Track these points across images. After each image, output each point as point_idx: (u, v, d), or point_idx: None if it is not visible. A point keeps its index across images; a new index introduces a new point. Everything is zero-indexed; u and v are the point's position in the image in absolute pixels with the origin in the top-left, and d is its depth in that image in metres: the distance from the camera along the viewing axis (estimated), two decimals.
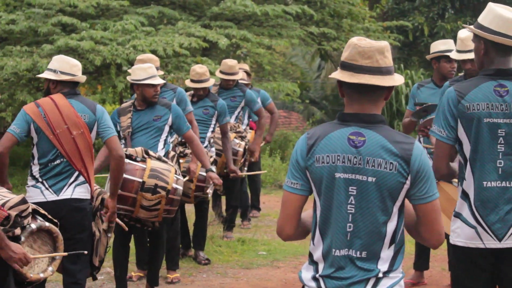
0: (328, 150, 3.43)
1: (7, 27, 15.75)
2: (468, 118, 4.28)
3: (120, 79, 14.81)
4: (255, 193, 11.65)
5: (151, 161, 6.94)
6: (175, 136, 7.96)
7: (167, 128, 7.36)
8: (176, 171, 7.04)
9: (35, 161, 5.90)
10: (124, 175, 6.67)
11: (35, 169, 5.90)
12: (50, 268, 5.09)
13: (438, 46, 7.44)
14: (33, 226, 4.95)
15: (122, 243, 7.24)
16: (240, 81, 10.08)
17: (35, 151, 5.90)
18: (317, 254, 3.49)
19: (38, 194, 5.81)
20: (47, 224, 5.05)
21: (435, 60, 7.41)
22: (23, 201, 4.94)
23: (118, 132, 7.36)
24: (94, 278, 6.24)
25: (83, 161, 5.86)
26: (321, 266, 3.48)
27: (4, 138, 5.85)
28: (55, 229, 5.09)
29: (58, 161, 5.85)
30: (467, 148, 4.31)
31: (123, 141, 7.35)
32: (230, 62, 9.84)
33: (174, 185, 6.92)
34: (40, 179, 5.89)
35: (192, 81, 8.91)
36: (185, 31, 15.85)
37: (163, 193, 6.85)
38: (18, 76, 14.88)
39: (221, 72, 9.85)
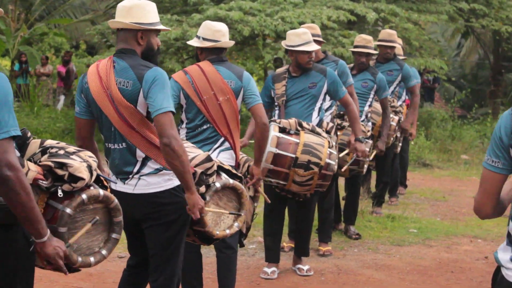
0: None
1: None
2: None
3: (267, 50, 14.84)
4: (402, 170, 11.45)
5: (304, 135, 6.80)
6: (334, 108, 7.88)
7: (322, 96, 7.21)
8: (329, 143, 6.90)
9: (183, 125, 5.94)
10: (277, 150, 6.65)
11: (183, 133, 5.94)
12: (236, 224, 5.06)
13: None
14: (217, 184, 4.91)
15: (275, 213, 7.23)
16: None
17: (183, 116, 5.94)
18: None
19: None
20: (231, 181, 5.00)
21: None
22: (208, 159, 4.92)
23: (272, 99, 7.33)
24: (242, 245, 6.21)
25: (229, 127, 5.82)
26: None
27: None
28: (240, 186, 5.04)
29: (205, 127, 5.83)
30: None
31: (276, 108, 7.31)
32: (389, 30, 9.74)
33: (327, 160, 6.79)
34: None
35: (356, 46, 8.77)
36: (333, 4, 15.73)
37: (316, 169, 6.74)
38: (167, 45, 15.12)
39: (379, 40, 9.69)
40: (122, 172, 4.65)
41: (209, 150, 5.80)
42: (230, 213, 5.04)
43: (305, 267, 7.37)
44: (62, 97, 21.66)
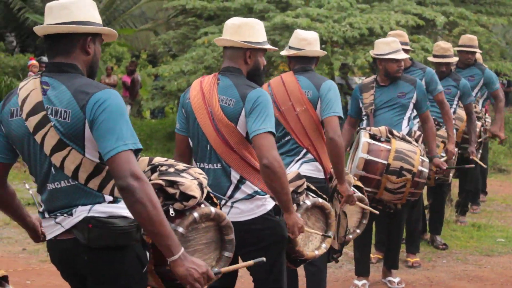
0: None
1: (222, 5, 15.99)
2: None
3: (336, 57, 14.66)
4: (482, 177, 11.18)
5: (396, 142, 6.65)
6: None
7: (411, 106, 7.05)
8: (421, 152, 6.75)
9: None
10: (369, 156, 6.50)
11: None
12: (323, 245, 4.94)
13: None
14: (308, 202, 4.80)
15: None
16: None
17: None
18: None
19: None
20: (320, 200, 4.89)
21: None
22: (299, 177, 4.80)
23: (359, 109, 7.18)
24: (336, 261, 6.05)
25: (310, 138, 5.65)
26: None
27: None
28: (328, 206, 4.93)
29: (286, 138, 5.71)
30: None
31: (365, 118, 7.16)
32: (470, 36, 9.56)
33: (420, 168, 6.63)
34: None
35: (435, 56, 8.59)
36: (400, 8, 15.49)
37: (409, 176, 6.57)
38: None
39: (460, 46, 9.47)
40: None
41: (291, 162, 5.68)
42: (323, 235, 4.92)
43: (396, 280, 7.19)
44: (128, 107, 21.74)
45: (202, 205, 3.82)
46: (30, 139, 3.43)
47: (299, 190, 4.78)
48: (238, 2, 15.74)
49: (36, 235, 3.84)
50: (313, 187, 5.00)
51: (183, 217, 3.72)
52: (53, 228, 3.50)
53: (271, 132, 4.30)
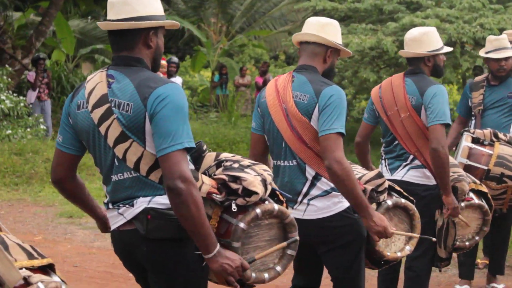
0: None
1: (353, 6, 15.95)
2: None
3: (465, 58, 14.35)
4: None
5: (499, 146, 6.39)
6: None
7: None
8: None
9: (383, 139, 5.75)
10: (468, 161, 6.28)
11: (383, 147, 5.76)
12: (407, 247, 4.82)
13: None
14: (389, 202, 4.69)
15: None
16: None
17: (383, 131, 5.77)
18: None
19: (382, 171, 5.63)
20: (403, 200, 4.77)
21: None
22: (379, 175, 4.70)
23: (469, 108, 7.01)
24: (440, 270, 5.90)
25: (416, 145, 5.50)
26: None
27: (361, 127, 5.82)
28: (412, 206, 4.80)
29: (395, 143, 5.58)
30: None
31: (473, 118, 7.00)
32: None
33: None
34: (383, 157, 5.74)
35: None
36: None
37: (510, 183, 6.31)
38: (362, 54, 14.93)
39: None
40: (292, 191, 4.45)
41: (399, 166, 5.61)
42: (421, 237, 4.81)
43: (500, 286, 7.00)
44: None
45: (266, 202, 3.82)
46: (95, 131, 3.55)
47: (380, 189, 4.66)
48: (368, 3, 15.67)
49: (105, 226, 3.99)
50: (398, 188, 4.92)
51: (246, 212, 3.74)
52: (116, 219, 3.62)
53: (339, 133, 4.26)
